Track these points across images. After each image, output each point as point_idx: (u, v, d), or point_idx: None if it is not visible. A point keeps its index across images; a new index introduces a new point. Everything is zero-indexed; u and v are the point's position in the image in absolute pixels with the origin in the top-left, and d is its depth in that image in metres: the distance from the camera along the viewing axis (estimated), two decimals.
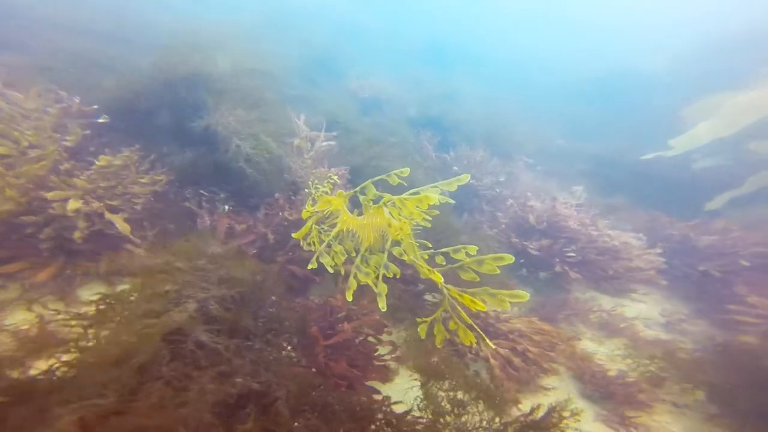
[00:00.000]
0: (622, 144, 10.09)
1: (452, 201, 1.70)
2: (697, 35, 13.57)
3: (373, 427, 2.16)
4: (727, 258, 5.45)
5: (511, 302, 1.43)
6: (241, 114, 4.17)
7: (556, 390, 3.43)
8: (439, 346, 1.62)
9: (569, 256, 4.77)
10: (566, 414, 2.50)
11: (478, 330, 1.53)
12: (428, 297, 3.95)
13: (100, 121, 3.72)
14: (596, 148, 10.36)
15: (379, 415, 2.19)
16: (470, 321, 1.52)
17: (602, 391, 3.47)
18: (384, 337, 3.18)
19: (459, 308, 1.52)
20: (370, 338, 3.07)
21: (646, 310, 4.86)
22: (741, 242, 5.57)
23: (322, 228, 1.87)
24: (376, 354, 3.02)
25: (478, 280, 1.51)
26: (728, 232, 5.81)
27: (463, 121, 8.93)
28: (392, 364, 3.12)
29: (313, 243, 1.85)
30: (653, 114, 11.29)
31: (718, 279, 5.28)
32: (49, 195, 3.03)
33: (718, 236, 5.71)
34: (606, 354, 4.02)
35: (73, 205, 3.04)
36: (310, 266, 1.82)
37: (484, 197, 6.51)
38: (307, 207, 1.80)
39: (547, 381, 3.51)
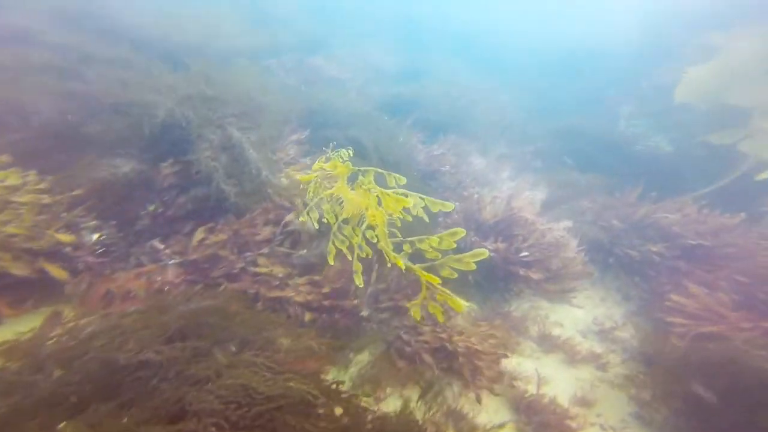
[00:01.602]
0: (583, 119, 9.59)
1: (427, 219, 1.81)
2: (656, 9, 12.74)
3: None
4: (676, 243, 5.37)
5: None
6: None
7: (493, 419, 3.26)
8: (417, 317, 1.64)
9: (523, 256, 4.45)
10: None
11: (459, 301, 1.48)
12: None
13: None
14: (554, 124, 9.81)
15: None
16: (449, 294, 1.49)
17: (536, 420, 3.34)
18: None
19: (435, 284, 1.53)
20: None
21: (583, 317, 4.75)
22: (699, 226, 5.46)
23: (322, 184, 1.97)
24: None
25: (440, 256, 1.56)
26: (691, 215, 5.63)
27: (427, 102, 8.17)
28: None
29: (314, 192, 1.96)
30: (614, 89, 10.71)
31: (664, 267, 5.22)
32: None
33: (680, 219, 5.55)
34: (543, 373, 3.87)
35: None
36: (301, 219, 2.01)
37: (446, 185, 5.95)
38: (318, 162, 1.91)
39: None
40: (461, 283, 4.55)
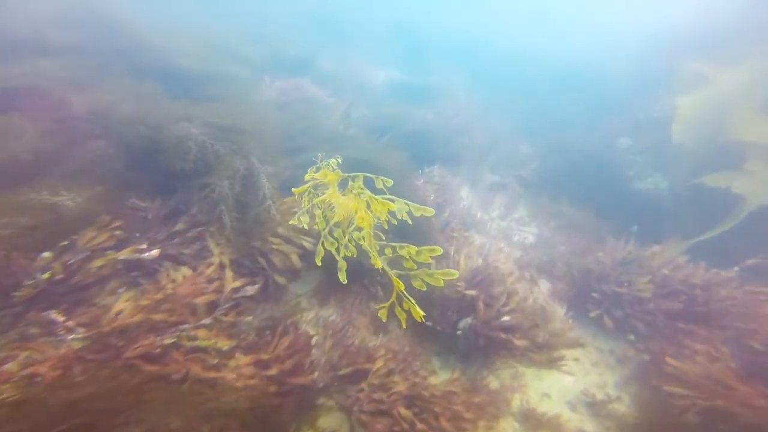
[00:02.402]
0: (580, 146, 8.91)
1: (410, 222, 1.85)
2: (656, 32, 12.15)
3: None
4: (670, 296, 4.82)
5: None
6: None
7: None
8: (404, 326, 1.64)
9: (504, 321, 3.87)
10: None
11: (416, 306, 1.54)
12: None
13: None
14: (551, 149, 9.14)
15: None
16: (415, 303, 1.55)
17: None
18: None
19: (404, 292, 1.59)
20: None
21: (573, 386, 4.15)
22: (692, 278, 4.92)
23: (313, 192, 2.01)
24: None
25: (416, 267, 1.63)
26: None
27: (418, 125, 7.65)
28: None
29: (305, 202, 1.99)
30: (614, 114, 10.12)
31: (660, 323, 4.68)
32: None
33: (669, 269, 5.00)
34: None
35: None
36: (292, 222, 1.96)
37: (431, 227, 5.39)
38: (309, 172, 1.97)
39: None
40: (437, 352, 3.98)
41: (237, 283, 3.03)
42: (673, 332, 4.72)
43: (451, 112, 9.01)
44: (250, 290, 3.00)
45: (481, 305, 3.70)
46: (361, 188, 1.84)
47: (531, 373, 4.07)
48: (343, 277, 1.73)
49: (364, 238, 1.77)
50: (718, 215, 6.44)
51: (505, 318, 3.68)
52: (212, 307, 3.06)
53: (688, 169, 7.39)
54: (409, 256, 1.64)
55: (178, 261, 3.48)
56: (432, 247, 1.59)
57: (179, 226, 3.57)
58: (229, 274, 3.49)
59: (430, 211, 1.77)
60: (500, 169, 8.10)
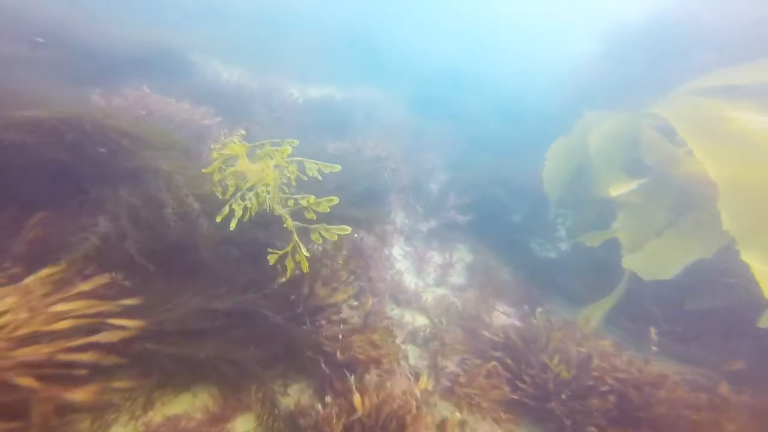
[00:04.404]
0: (517, 189, 7.35)
1: (320, 178, 2.04)
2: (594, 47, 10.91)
3: None
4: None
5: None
6: None
7: None
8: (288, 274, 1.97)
9: None
10: None
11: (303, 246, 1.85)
12: None
13: None
14: (486, 191, 7.65)
15: None
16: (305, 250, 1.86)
17: None
18: None
19: (299, 242, 1.81)
20: None
21: None
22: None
23: (223, 168, 2.11)
24: None
25: (315, 218, 1.88)
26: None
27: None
28: None
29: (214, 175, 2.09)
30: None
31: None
32: None
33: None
34: None
35: None
36: (212, 188, 2.21)
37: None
38: (215, 150, 2.05)
39: None
40: None
41: None
42: None
43: (377, 146, 7.47)
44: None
45: None
46: (269, 151, 2.01)
47: None
48: (233, 225, 1.91)
49: (269, 192, 1.94)
50: (605, 281, 5.24)
51: None
52: None
53: (573, 226, 6.52)
54: (309, 204, 1.85)
55: None
56: (330, 197, 1.84)
57: None
58: None
59: (336, 167, 2.03)
60: (434, 217, 6.78)
